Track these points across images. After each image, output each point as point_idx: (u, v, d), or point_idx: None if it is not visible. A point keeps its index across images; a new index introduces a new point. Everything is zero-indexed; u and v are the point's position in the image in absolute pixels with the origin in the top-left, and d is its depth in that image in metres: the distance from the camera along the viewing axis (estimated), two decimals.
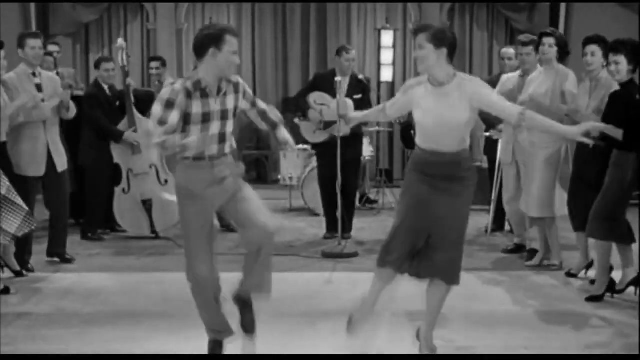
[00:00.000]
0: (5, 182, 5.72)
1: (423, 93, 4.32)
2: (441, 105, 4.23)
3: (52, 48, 8.89)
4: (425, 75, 4.33)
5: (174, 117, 4.12)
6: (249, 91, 4.50)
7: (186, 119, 4.19)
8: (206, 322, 4.50)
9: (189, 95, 4.17)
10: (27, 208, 5.87)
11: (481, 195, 9.60)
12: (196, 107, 4.20)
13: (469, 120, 4.27)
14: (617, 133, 5.53)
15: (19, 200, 5.80)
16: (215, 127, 4.27)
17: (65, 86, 6.92)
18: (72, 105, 6.87)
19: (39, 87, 6.58)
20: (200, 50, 4.21)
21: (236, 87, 4.38)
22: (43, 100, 6.56)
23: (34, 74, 6.60)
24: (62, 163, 6.74)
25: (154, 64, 9.03)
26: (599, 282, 5.76)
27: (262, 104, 4.63)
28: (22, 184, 6.31)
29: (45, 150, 6.61)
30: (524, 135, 6.73)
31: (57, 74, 7.60)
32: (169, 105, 4.12)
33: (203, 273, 4.32)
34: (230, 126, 4.35)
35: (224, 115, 4.31)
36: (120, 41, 8.23)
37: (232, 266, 6.78)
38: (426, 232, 4.31)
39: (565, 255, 6.72)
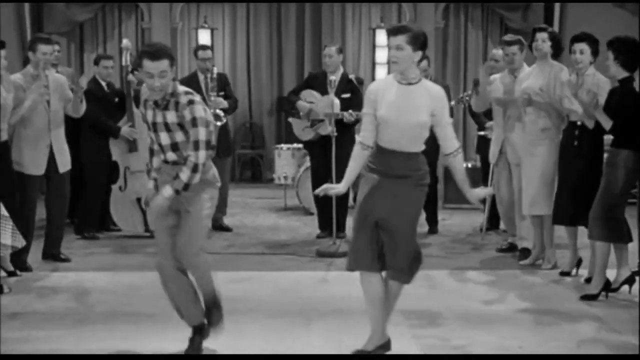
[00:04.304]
0: None
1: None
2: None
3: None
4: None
5: None
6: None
7: None
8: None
9: None
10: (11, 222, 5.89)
11: None
12: None
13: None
14: (606, 122, 5.61)
15: (6, 214, 5.84)
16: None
17: (77, 90, 6.97)
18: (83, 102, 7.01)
19: (45, 87, 6.63)
20: None
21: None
22: (49, 102, 6.62)
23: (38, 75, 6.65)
24: (64, 164, 6.80)
25: None
26: (596, 281, 5.75)
27: None
28: (22, 182, 6.46)
29: (48, 150, 6.66)
30: (517, 134, 6.73)
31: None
32: None
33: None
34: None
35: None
36: (126, 42, 8.20)
37: (225, 265, 6.83)
38: None
39: (557, 254, 6.71)
